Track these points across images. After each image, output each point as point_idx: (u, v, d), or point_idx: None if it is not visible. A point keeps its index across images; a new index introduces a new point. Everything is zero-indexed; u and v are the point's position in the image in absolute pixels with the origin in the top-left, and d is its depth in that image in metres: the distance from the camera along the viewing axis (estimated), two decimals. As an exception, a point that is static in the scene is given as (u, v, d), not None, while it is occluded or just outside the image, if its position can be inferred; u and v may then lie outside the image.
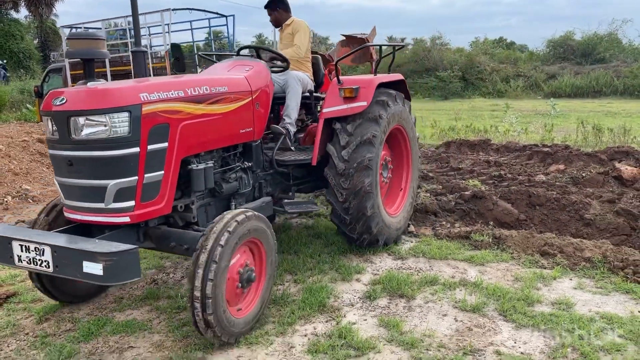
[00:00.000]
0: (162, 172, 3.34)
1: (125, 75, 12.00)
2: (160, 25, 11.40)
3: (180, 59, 5.15)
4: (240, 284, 3.39)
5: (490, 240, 5.11)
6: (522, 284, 4.17)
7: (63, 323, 3.84)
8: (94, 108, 3.03)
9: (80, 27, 13.35)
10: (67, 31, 14.15)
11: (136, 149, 3.15)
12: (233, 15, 12.95)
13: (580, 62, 30.06)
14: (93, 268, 2.81)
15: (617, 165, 7.56)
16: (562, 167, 8.28)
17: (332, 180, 4.56)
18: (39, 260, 3.01)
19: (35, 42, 36.05)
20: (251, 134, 4.21)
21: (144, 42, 13.46)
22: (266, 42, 45.15)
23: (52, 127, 3.17)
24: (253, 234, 3.42)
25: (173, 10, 11.71)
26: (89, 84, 3.24)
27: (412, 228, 5.70)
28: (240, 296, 3.48)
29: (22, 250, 3.07)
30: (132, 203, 3.21)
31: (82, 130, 3.06)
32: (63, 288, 3.94)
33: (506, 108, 14.73)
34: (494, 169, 8.38)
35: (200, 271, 3.04)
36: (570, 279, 4.28)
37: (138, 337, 3.60)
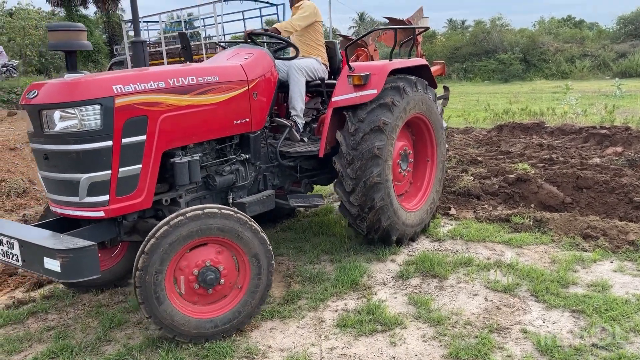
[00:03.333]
0: (140, 165, 3.26)
1: (182, 66, 12.47)
2: (212, 16, 11.77)
3: (188, 48, 5.08)
4: (202, 287, 3.23)
5: (531, 222, 5.04)
6: (558, 266, 4.12)
7: (116, 295, 4.17)
8: (64, 101, 2.99)
9: (140, 21, 13.97)
10: (128, 25, 14.86)
11: (109, 143, 3.09)
12: (283, 4, 13.17)
13: (654, 39, 28.25)
14: (52, 264, 2.82)
15: (680, 146, 7.17)
16: (619, 149, 7.93)
17: (340, 169, 4.31)
18: (10, 253, 3.06)
19: (104, 36, 37.93)
20: (248, 124, 4.01)
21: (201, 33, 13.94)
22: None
23: (28, 119, 3.19)
24: (211, 233, 3.18)
25: (225, 1, 12.04)
26: (65, 75, 3.27)
27: (453, 211, 5.70)
28: (207, 299, 3.31)
29: None
30: (106, 197, 3.15)
31: (54, 124, 3.03)
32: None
33: (566, 89, 14.13)
34: (546, 152, 8.15)
35: (139, 260, 3.04)
36: (611, 262, 4.18)
37: (181, 309, 3.86)
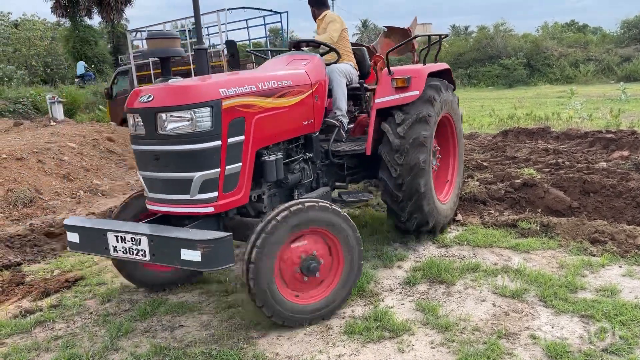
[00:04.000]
0: (240, 164, 3.50)
1: (186, 75, 12.55)
2: (217, 25, 11.83)
3: (235, 55, 5.29)
4: (300, 270, 3.45)
5: (538, 227, 5.01)
6: (566, 271, 4.10)
7: (123, 304, 4.17)
8: (179, 104, 3.20)
9: (144, 30, 14.08)
10: (132, 35, 14.97)
11: (218, 142, 3.32)
12: (287, 12, 13.22)
13: (658, 42, 28.18)
14: (192, 255, 3.00)
15: (686, 150, 7.13)
16: (626, 153, 7.90)
17: (387, 157, 4.54)
18: (135, 249, 3.22)
19: (109, 46, 38.14)
20: (312, 126, 4.32)
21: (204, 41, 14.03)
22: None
23: (138, 123, 3.35)
24: (318, 225, 3.45)
25: (228, 9, 12.12)
26: (169, 81, 3.41)
27: (459, 217, 5.68)
28: (305, 285, 3.55)
29: (117, 241, 3.28)
30: (215, 194, 3.37)
31: (167, 126, 3.22)
32: (145, 277, 4.25)
33: (571, 94, 14.10)
34: (552, 157, 8.13)
35: (249, 245, 3.25)
36: (620, 266, 4.15)
37: (188, 317, 3.86)
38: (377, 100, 4.67)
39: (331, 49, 4.86)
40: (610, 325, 3.25)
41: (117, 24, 35.95)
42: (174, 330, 3.68)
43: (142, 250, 3.20)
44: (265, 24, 13.22)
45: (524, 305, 3.65)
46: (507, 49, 29.91)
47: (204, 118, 3.24)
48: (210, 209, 3.38)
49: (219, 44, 12.44)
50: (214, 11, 11.75)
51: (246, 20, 13.58)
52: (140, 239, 3.19)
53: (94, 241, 3.40)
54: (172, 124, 3.22)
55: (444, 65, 5.29)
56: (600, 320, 3.33)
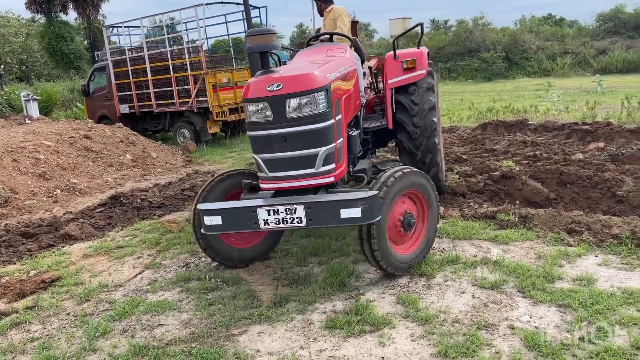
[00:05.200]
0: (342, 139, 3.98)
1: (165, 71, 12.41)
2: (195, 20, 11.70)
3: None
4: (402, 226, 4.02)
5: (517, 219, 5.07)
6: (544, 262, 4.15)
7: (101, 304, 4.12)
8: (304, 90, 3.62)
9: (121, 26, 13.88)
10: (109, 31, 14.73)
11: (332, 121, 3.79)
12: (265, 7, 13.13)
13: (632, 35, 28.68)
14: (352, 213, 3.50)
15: (660, 140, 7.26)
16: (601, 144, 8.02)
17: (406, 121, 5.13)
18: (290, 218, 3.63)
19: (85, 43, 37.45)
20: (360, 105, 4.94)
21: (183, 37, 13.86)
22: (307, 30, 45.29)
23: (264, 110, 3.68)
24: (414, 188, 4.02)
25: (207, 4, 11.97)
26: (281, 69, 3.93)
27: (440, 210, 5.71)
28: (404, 237, 4.12)
29: (269, 214, 3.66)
30: (333, 165, 3.83)
31: (295, 109, 3.63)
32: (230, 254, 4.50)
33: (548, 87, 14.27)
34: (530, 149, 8.22)
35: None
36: (596, 256, 4.22)
37: (168, 315, 3.82)
38: (390, 81, 5.26)
39: (350, 40, 5.40)
40: (587, 315, 3.30)
41: (94, 20, 35.31)
42: (153, 329, 3.64)
43: (297, 217, 3.62)
44: (244, 19, 13.11)
45: (502, 296, 3.69)
46: (485, 42, 30.10)
47: (322, 101, 3.68)
48: (331, 179, 3.84)
49: (198, 40, 12.28)
50: (192, 6, 11.60)
51: (225, 15, 13.46)
52: (295, 208, 3.60)
53: (241, 219, 3.75)
54: (303, 107, 3.64)
55: (426, 50, 5.80)
56: (576, 309, 3.38)
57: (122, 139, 10.73)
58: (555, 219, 4.91)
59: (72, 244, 5.68)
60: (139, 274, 4.70)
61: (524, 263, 4.16)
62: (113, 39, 15.57)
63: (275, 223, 3.67)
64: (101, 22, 36.07)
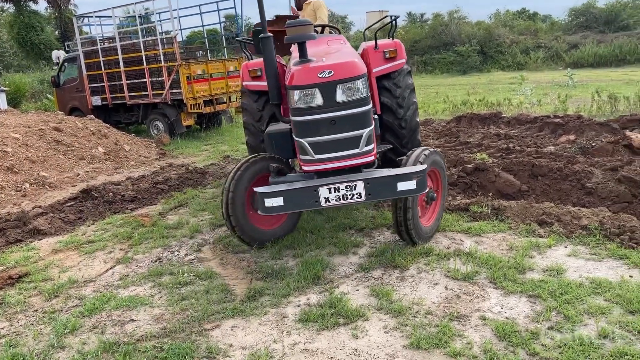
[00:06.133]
0: (374, 122, 4.27)
1: (138, 62, 12.18)
2: (168, 10, 11.49)
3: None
4: (425, 202, 4.53)
5: (489, 211, 5.12)
6: (515, 253, 4.21)
7: (70, 300, 4.03)
8: (352, 76, 3.97)
9: (92, 16, 13.55)
10: (80, 20, 14.37)
11: (371, 104, 4.17)
12: (241, -2, 12.94)
13: (603, 30, 29.22)
14: (408, 185, 3.84)
15: (628, 133, 7.42)
16: (572, 137, 8.16)
17: (391, 102, 5.22)
18: (350, 194, 3.91)
19: (56, 33, 36.53)
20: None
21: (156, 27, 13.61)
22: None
23: (313, 95, 3.95)
24: (434, 165, 4.45)
25: (180, -6, 11.77)
26: (324, 59, 4.16)
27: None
28: (426, 210, 4.62)
29: (330, 192, 3.91)
30: (372, 146, 4.16)
31: (343, 94, 3.95)
32: (255, 234, 4.67)
33: (521, 80, 14.46)
34: (503, 141, 8.32)
35: None
36: (565, 247, 4.29)
37: (139, 311, 3.77)
38: (374, 70, 5.26)
39: (338, 30, 5.73)
40: (556, 304, 3.36)
41: (65, 10, 34.47)
42: (124, 325, 3.58)
43: (357, 193, 3.91)
44: (218, 10, 12.95)
45: (475, 287, 3.73)
46: (461, 36, 30.31)
47: (364, 86, 4.03)
48: (371, 158, 4.18)
49: (172, 31, 12.07)
50: (165, -4, 11.37)
51: (199, 6, 13.25)
52: (355, 184, 3.90)
53: (302, 199, 3.94)
54: (347, 92, 3.95)
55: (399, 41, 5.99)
56: (546, 299, 3.43)
57: (94, 131, 10.51)
58: (526, 210, 4.98)
59: (41, 239, 5.55)
60: (110, 268, 4.62)
61: (496, 254, 4.21)
62: (84, 29, 15.22)
63: (336, 200, 3.92)
64: (72, 11, 35.21)
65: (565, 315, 3.22)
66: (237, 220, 4.49)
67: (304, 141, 4.07)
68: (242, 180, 4.44)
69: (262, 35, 4.27)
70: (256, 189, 4.06)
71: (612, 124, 8.37)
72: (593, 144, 7.27)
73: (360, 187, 3.89)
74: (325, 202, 3.92)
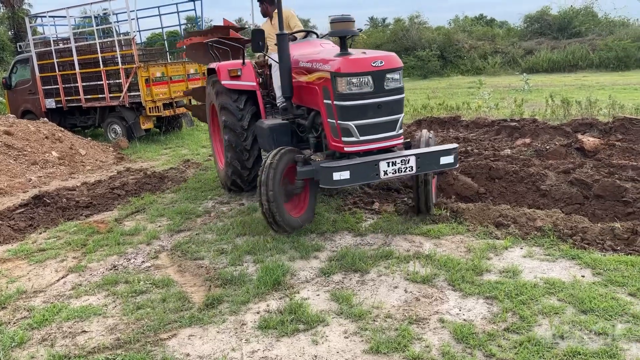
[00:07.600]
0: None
1: (94, 64, 11.84)
2: (126, 12, 11.22)
3: (262, 44, 5.29)
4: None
5: (448, 213, 5.19)
6: (473, 255, 4.27)
7: (18, 311, 3.86)
8: (397, 67, 4.52)
9: (45, 16, 13.11)
10: (33, 20, 13.89)
11: (404, 93, 4.68)
12: (201, 0, 12.81)
13: (557, 36, 30.18)
14: (449, 159, 4.57)
15: (580, 137, 7.67)
16: (528, 140, 8.37)
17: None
18: (404, 167, 4.44)
19: (10, 33, 35.20)
20: None
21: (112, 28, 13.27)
22: (246, 25, 44.74)
23: (365, 82, 4.40)
24: None
25: (138, -5, 11.53)
26: (366, 52, 4.64)
27: (376, 205, 5.77)
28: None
29: (388, 166, 4.39)
30: (402, 130, 4.73)
31: (390, 82, 4.47)
32: (287, 222, 4.88)
33: (479, 85, 14.78)
34: (462, 145, 8.45)
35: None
36: (521, 248, 4.38)
37: (92, 321, 3.63)
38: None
39: (316, 35, 6.24)
40: (512, 305, 3.41)
41: (19, 9, 33.31)
42: (75, 336, 3.44)
43: (410, 166, 4.46)
44: (178, 12, 12.73)
45: (433, 290, 3.76)
46: (422, 41, 30.79)
47: (400, 77, 4.56)
48: (402, 140, 4.79)
49: (130, 32, 11.79)
50: (122, -3, 11.11)
51: (158, 7, 13.01)
52: (409, 159, 4.45)
53: (365, 172, 4.36)
54: (392, 81, 4.48)
55: None
56: (502, 300, 3.49)
57: (48, 135, 10.16)
58: (484, 213, 5.07)
59: (-11, 248, 5.31)
60: (62, 278, 4.45)
61: (455, 257, 4.26)
62: (38, 29, 14.70)
63: (393, 172, 4.42)
64: (26, 11, 34.05)
65: (520, 316, 3.28)
66: (277, 208, 4.76)
67: (352, 124, 4.48)
68: (279, 172, 4.73)
69: (278, 32, 4.98)
70: (323, 164, 4.45)
71: (565, 127, 8.63)
72: (547, 147, 7.48)
73: (412, 161, 4.45)
74: (384, 175, 4.40)
